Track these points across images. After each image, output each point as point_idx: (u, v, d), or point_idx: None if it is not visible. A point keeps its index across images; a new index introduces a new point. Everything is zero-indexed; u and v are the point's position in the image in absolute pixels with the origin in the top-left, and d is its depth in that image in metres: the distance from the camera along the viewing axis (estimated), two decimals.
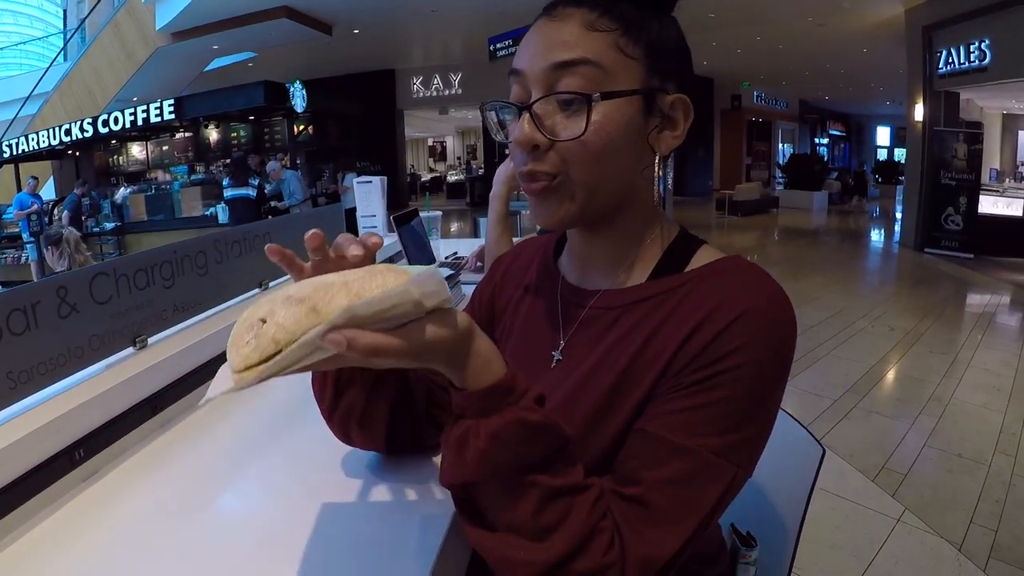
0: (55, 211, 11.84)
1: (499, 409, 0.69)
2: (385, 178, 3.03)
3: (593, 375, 0.86)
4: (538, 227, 1.08)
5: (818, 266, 10.10)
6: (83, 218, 11.36)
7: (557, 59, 0.79)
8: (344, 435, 1.02)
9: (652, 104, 0.83)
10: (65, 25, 23.50)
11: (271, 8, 11.96)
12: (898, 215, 15.14)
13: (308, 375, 0.94)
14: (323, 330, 0.56)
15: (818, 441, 1.16)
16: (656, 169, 0.85)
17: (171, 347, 1.40)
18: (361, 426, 0.98)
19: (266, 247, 0.72)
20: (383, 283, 0.61)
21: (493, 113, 0.92)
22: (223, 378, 0.62)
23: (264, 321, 0.59)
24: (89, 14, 17.13)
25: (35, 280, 9.95)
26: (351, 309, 0.57)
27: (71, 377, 1.20)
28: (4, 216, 12.28)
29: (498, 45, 11.95)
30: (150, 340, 1.41)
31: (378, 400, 0.96)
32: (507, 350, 1.01)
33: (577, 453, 0.75)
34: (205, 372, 1.48)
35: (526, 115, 0.81)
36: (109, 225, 11.48)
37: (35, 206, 11.17)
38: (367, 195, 2.94)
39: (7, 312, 1.06)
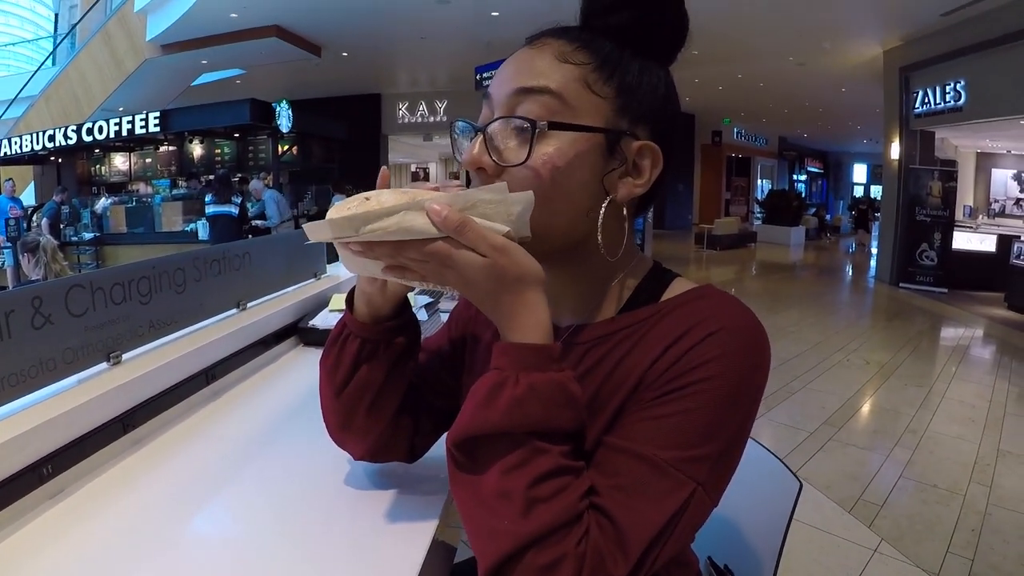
0: (34, 217, 11.73)
1: (542, 368, 0.69)
2: None
3: None
4: None
5: (795, 300, 10.17)
6: (61, 226, 11.26)
7: (520, 84, 0.78)
8: (344, 421, 0.99)
9: (615, 146, 0.80)
10: (56, 29, 23.47)
11: (262, 27, 11.96)
12: (873, 251, 15.28)
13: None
14: (414, 205, 0.65)
15: (795, 474, 1.16)
16: (602, 212, 0.80)
17: (146, 364, 1.38)
18: (369, 410, 0.96)
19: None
20: (477, 194, 0.69)
21: (459, 135, 0.89)
22: (319, 225, 0.69)
23: (368, 199, 0.67)
24: (80, 20, 17.12)
25: (10, 286, 9.88)
26: (456, 196, 0.67)
27: (43, 390, 1.18)
28: None
29: (484, 74, 12.12)
30: (125, 356, 1.39)
31: (397, 379, 0.96)
32: (476, 376, 1.00)
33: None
34: (180, 391, 1.46)
35: (479, 136, 0.80)
36: (88, 235, 11.36)
37: (14, 210, 11.07)
38: None
39: None
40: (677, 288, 0.86)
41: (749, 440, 1.28)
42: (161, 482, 1.17)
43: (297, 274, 2.32)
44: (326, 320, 2.03)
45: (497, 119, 0.79)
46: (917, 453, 4.07)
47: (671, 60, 0.88)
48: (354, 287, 0.95)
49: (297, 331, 2.04)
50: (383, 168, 0.84)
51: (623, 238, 0.85)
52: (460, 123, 0.87)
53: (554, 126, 0.76)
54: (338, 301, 2.14)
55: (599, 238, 0.80)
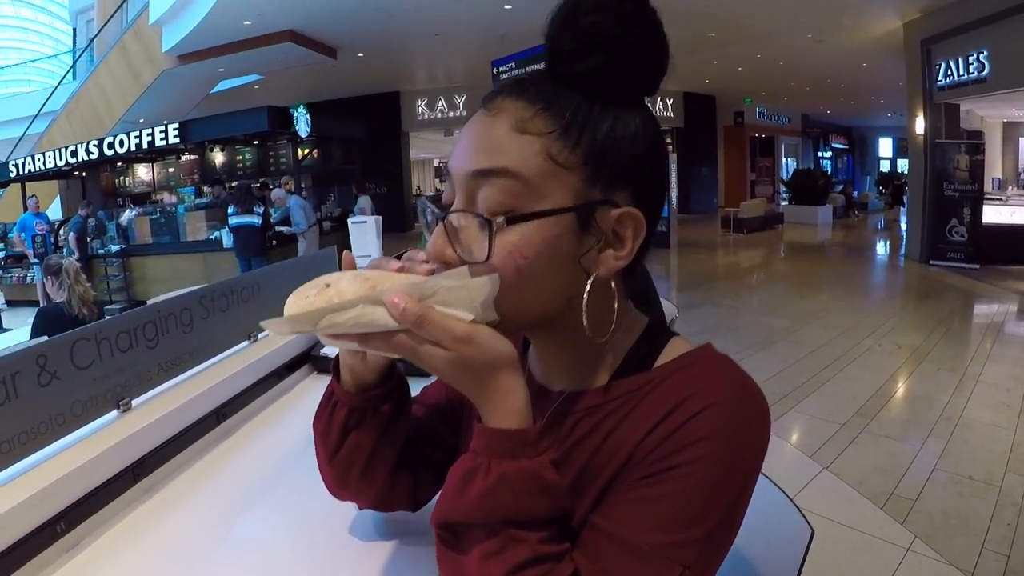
0: (61, 232, 11.88)
1: (516, 455, 0.66)
2: (380, 217, 3.00)
3: None
4: None
5: (824, 282, 10.09)
6: (88, 239, 11.39)
7: (476, 166, 0.70)
8: (340, 483, 0.96)
9: (589, 221, 0.71)
10: (75, 44, 23.70)
11: (276, 32, 12.06)
12: (903, 227, 15.13)
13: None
14: (374, 297, 0.63)
15: (807, 521, 1.12)
16: (585, 296, 0.73)
17: (156, 409, 1.38)
18: (363, 473, 0.93)
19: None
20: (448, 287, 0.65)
21: (423, 215, 0.82)
22: (278, 321, 0.66)
23: (328, 286, 0.65)
24: (97, 34, 17.29)
25: (41, 303, 10.03)
26: (414, 285, 0.64)
27: (54, 444, 1.18)
28: (9, 235, 12.34)
29: (501, 68, 12.14)
30: (134, 402, 1.39)
31: (387, 444, 0.93)
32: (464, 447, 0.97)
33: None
34: (190, 435, 1.46)
35: (440, 226, 0.73)
36: (114, 247, 11.48)
37: (40, 226, 11.21)
38: (362, 235, 2.91)
39: None
40: (672, 351, 0.79)
41: (762, 477, 1.26)
42: (173, 530, 1.16)
43: None
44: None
45: (454, 211, 0.73)
46: (951, 443, 4.01)
47: (653, 92, 0.77)
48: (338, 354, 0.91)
49: (310, 359, 2.02)
50: (346, 252, 0.80)
51: (612, 312, 0.76)
52: (423, 203, 0.82)
53: (513, 220, 0.69)
54: None
55: (584, 321, 0.73)
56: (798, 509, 1.18)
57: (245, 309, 1.83)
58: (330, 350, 2.00)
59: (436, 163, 33.38)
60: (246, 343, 1.86)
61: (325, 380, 1.91)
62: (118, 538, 1.14)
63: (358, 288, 0.64)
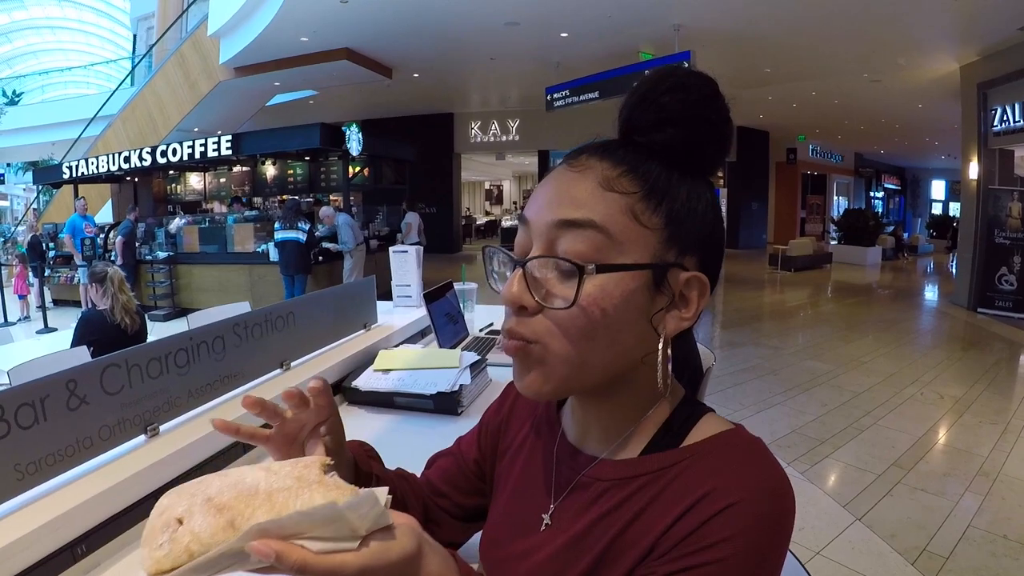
0: (110, 235, 12.11)
1: None
2: (421, 248, 3.00)
3: (576, 546, 0.81)
4: None
5: (869, 326, 9.91)
6: (137, 244, 11.60)
7: (562, 216, 0.73)
8: None
9: (662, 280, 0.74)
10: (134, 50, 24.23)
11: (332, 50, 12.22)
12: (952, 270, 14.86)
13: None
14: (236, 546, 0.54)
15: None
16: (660, 354, 0.75)
17: (183, 436, 1.39)
18: None
19: (242, 400, 0.73)
20: (311, 499, 0.57)
21: (491, 262, 0.85)
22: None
23: (181, 522, 0.57)
24: (156, 42, 17.63)
25: (83, 305, 10.20)
26: (264, 528, 0.55)
27: (80, 467, 1.19)
28: (60, 236, 12.59)
29: (555, 95, 12.21)
30: (162, 428, 1.40)
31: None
32: (500, 502, 0.98)
33: None
34: (217, 462, 1.46)
35: (519, 272, 0.75)
36: (162, 254, 11.68)
37: (89, 229, 11.44)
38: (402, 265, 2.92)
39: (15, 407, 1.07)
40: (705, 429, 0.79)
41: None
42: None
43: (345, 328, 2.33)
44: (369, 381, 2.00)
45: (538, 257, 0.75)
46: (988, 499, 3.90)
47: (716, 171, 0.82)
48: None
49: (342, 390, 2.02)
50: (245, 397, 0.77)
51: (669, 369, 0.78)
52: (493, 250, 0.83)
53: (603, 268, 0.71)
54: (383, 359, 2.13)
55: (659, 378, 0.75)
56: (805, 569, 1.15)
57: (279, 337, 1.84)
58: (362, 381, 2.00)
59: (487, 185, 33.54)
60: (278, 371, 1.87)
61: (356, 411, 1.95)
62: (137, 564, 1.14)
63: (214, 526, 0.56)
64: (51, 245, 12.96)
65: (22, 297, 11.70)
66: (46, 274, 12.14)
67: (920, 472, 4.33)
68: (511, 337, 0.77)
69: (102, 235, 12.23)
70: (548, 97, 12.38)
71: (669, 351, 0.76)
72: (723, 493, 0.69)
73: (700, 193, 0.77)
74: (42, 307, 10.62)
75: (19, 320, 11.39)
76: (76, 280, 11.97)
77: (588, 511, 0.81)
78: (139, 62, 20.62)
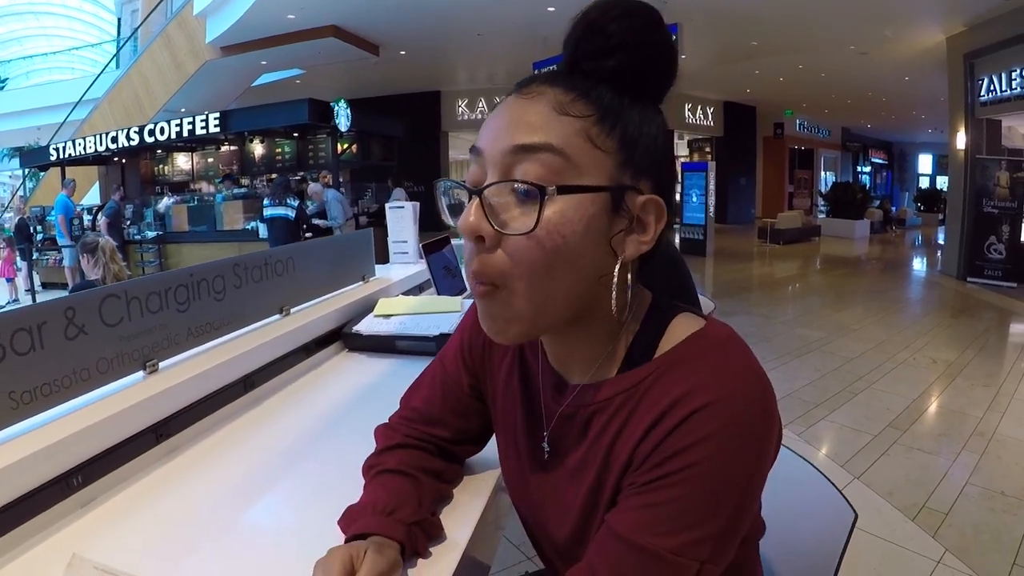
0: (97, 217, 12.04)
1: None
2: (418, 204, 3.00)
3: (577, 475, 0.84)
4: None
5: (859, 296, 9.94)
6: (125, 225, 11.53)
7: (518, 141, 0.72)
8: None
9: (620, 203, 0.74)
10: (119, 33, 24.02)
11: (319, 27, 12.14)
12: (940, 242, 14.91)
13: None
14: None
15: (849, 504, 1.09)
16: (615, 276, 0.75)
17: (183, 372, 1.37)
18: None
19: None
20: None
21: (445, 197, 0.82)
22: None
23: None
24: (141, 24, 17.50)
25: (69, 284, 10.15)
26: None
27: (76, 400, 1.17)
28: (47, 218, 12.51)
29: (542, 70, 12.02)
30: (161, 364, 1.37)
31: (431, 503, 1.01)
32: (501, 437, 1.02)
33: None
34: (217, 399, 1.44)
35: (475, 200, 0.74)
36: (151, 233, 11.62)
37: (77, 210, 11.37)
38: (399, 220, 2.91)
39: (11, 332, 1.04)
40: (676, 333, 0.79)
41: (804, 463, 1.23)
42: (195, 491, 1.15)
43: (344, 278, 2.31)
44: (370, 326, 1.99)
45: (495, 183, 0.73)
46: (984, 458, 3.91)
47: (662, 98, 0.81)
48: None
49: (341, 336, 2.01)
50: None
51: (628, 296, 0.80)
52: (446, 182, 0.82)
53: (563, 190, 0.71)
54: (384, 306, 2.11)
55: (612, 301, 0.75)
56: (841, 494, 1.15)
57: (278, 283, 1.83)
58: (364, 327, 1.99)
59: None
60: (277, 316, 1.85)
61: (356, 358, 1.94)
62: (135, 496, 1.12)
63: None
64: (39, 228, 12.87)
65: (9, 280, 11.61)
66: (34, 257, 12.06)
67: (916, 433, 4.34)
68: (478, 280, 0.75)
69: (89, 216, 12.15)
70: (536, 72, 12.25)
71: (629, 276, 0.78)
72: (692, 397, 0.70)
73: (651, 117, 0.77)
74: (31, 290, 10.56)
75: (7, 304, 11.32)
76: (63, 263, 11.90)
77: (582, 439, 0.84)
78: (124, 44, 20.45)
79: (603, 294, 0.76)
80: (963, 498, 3.45)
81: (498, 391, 1.00)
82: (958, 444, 4.13)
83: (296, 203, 9.44)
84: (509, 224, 0.72)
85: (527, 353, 0.96)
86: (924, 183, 34.35)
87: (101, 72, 18.89)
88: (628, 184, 0.74)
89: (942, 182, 28.11)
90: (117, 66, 19.09)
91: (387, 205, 2.95)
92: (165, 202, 12.26)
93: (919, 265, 14.28)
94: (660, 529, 0.68)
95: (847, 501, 1.11)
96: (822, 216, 21.47)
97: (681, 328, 0.80)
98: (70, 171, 14.51)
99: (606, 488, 0.78)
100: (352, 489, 1.00)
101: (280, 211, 9.22)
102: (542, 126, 0.71)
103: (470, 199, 0.74)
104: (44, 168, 16.05)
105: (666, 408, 0.70)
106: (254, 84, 15.80)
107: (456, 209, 0.79)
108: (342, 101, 11.62)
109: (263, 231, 9.87)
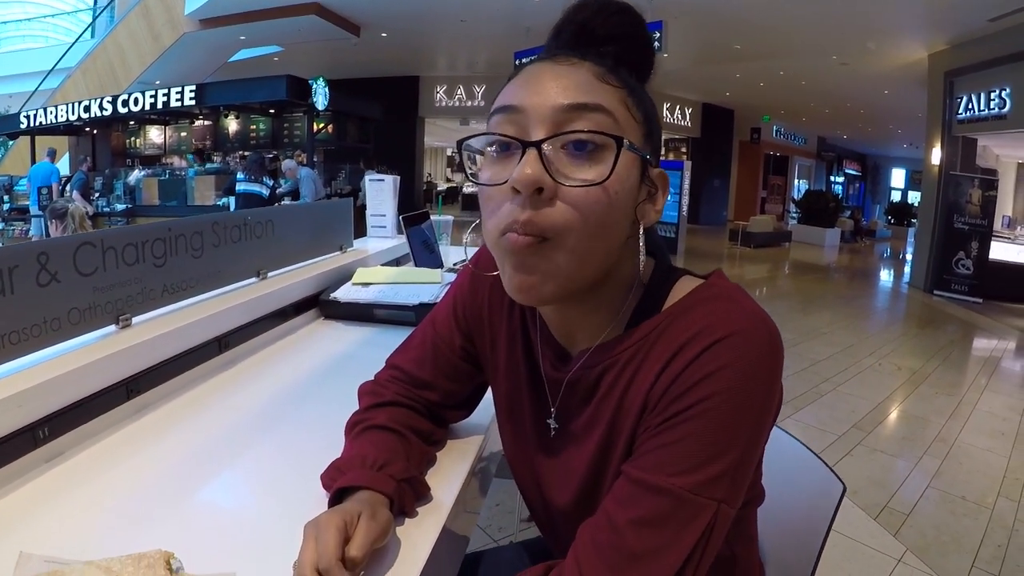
0: (66, 188, 11.86)
1: None
2: (398, 177, 2.97)
3: (584, 438, 0.84)
4: None
5: (828, 302, 10.02)
6: (92, 197, 11.35)
7: (573, 100, 0.71)
8: None
9: (646, 171, 0.78)
10: (95, 1, 23.60)
11: (302, 4, 11.99)
12: (908, 256, 15.07)
13: None
14: None
15: (838, 476, 1.09)
16: (642, 239, 0.79)
17: (156, 328, 1.33)
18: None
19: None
20: None
21: (490, 149, 0.78)
22: None
23: None
24: None
25: None
26: None
27: (46, 351, 1.13)
28: (15, 188, 12.28)
29: (524, 60, 11.97)
30: (135, 320, 1.34)
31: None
32: (503, 416, 1.01)
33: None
34: (190, 358, 1.41)
35: (532, 152, 0.70)
36: (120, 206, 11.46)
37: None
38: (378, 193, 2.88)
39: None
40: (681, 289, 0.81)
41: (791, 440, 1.23)
42: (165, 449, 1.12)
43: (321, 246, 2.28)
44: (348, 293, 1.98)
45: (561, 133, 0.71)
46: (946, 463, 3.97)
47: (647, 77, 0.85)
48: None
49: (318, 303, 1.99)
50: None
51: (635, 268, 0.82)
52: (491, 135, 0.76)
53: (631, 147, 0.73)
54: (362, 275, 2.09)
55: (640, 264, 0.80)
56: (828, 467, 1.16)
57: (257, 244, 1.80)
58: (341, 294, 1.98)
59: (449, 152, 33.45)
60: (254, 279, 1.82)
61: (333, 325, 1.92)
62: (104, 452, 1.10)
63: None
64: (6, 198, 12.64)
65: None
66: (0, 228, 11.85)
67: (879, 435, 4.40)
68: (527, 232, 0.71)
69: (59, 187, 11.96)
70: (517, 62, 12.18)
71: (642, 243, 0.80)
72: (705, 334, 0.71)
73: (652, 98, 0.81)
74: None
75: None
76: (29, 233, 11.70)
77: (588, 402, 0.85)
78: (100, 13, 20.09)
79: (624, 259, 0.79)
80: (924, 500, 3.50)
81: (500, 360, 0.99)
82: (920, 449, 4.19)
83: (271, 183, 9.35)
84: (573, 175, 0.71)
85: (528, 323, 0.95)
86: (896, 197, 34.76)
87: (75, 41, 18.61)
88: (649, 156, 0.77)
89: (914, 197, 28.49)
90: (92, 35, 18.78)
91: (367, 177, 2.92)
92: (136, 175, 12.09)
93: (887, 276, 14.47)
94: (677, 468, 0.68)
95: (835, 474, 1.12)
96: (793, 223, 21.63)
97: (687, 284, 0.81)
98: (40, 140, 14.27)
99: (619, 442, 0.78)
100: (327, 451, 0.98)
101: (255, 187, 9.13)
102: (592, 89, 0.73)
103: (524, 152, 0.71)
104: (13, 136, 15.75)
105: (679, 347, 0.72)
106: (230, 60, 15.57)
107: (495, 163, 0.76)
108: (320, 79, 11.53)
109: (233, 206, 9.76)
